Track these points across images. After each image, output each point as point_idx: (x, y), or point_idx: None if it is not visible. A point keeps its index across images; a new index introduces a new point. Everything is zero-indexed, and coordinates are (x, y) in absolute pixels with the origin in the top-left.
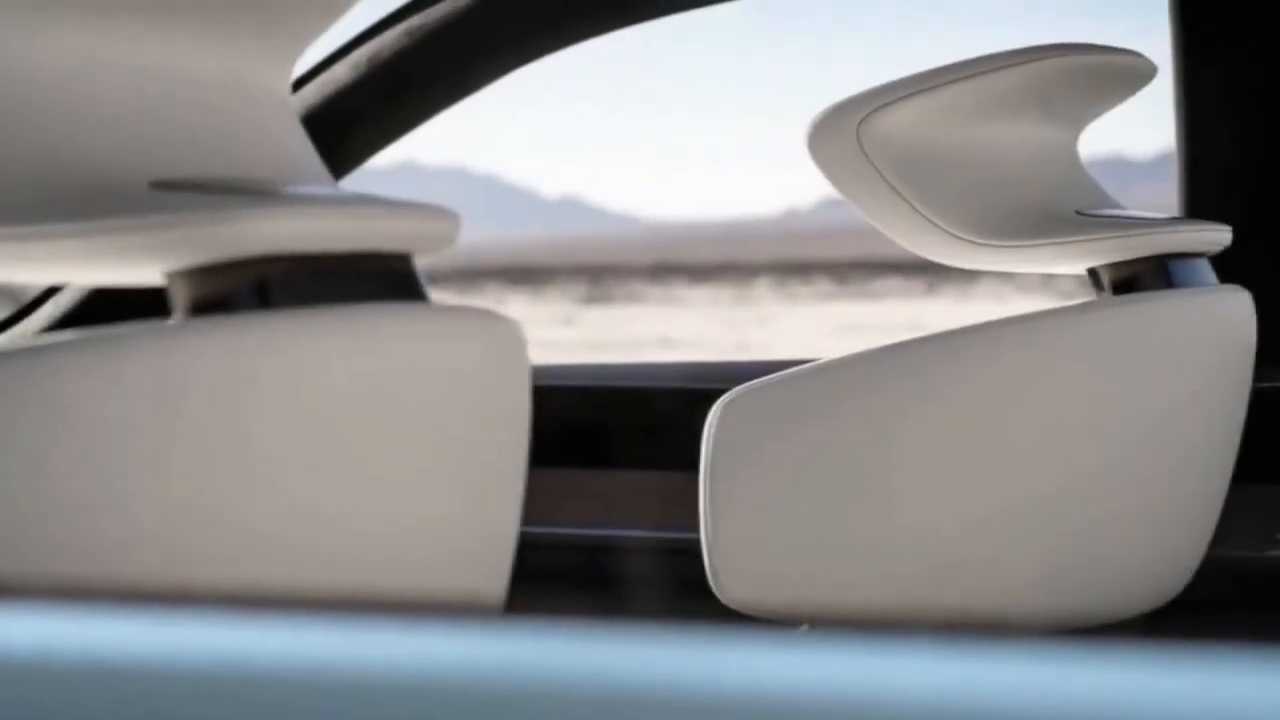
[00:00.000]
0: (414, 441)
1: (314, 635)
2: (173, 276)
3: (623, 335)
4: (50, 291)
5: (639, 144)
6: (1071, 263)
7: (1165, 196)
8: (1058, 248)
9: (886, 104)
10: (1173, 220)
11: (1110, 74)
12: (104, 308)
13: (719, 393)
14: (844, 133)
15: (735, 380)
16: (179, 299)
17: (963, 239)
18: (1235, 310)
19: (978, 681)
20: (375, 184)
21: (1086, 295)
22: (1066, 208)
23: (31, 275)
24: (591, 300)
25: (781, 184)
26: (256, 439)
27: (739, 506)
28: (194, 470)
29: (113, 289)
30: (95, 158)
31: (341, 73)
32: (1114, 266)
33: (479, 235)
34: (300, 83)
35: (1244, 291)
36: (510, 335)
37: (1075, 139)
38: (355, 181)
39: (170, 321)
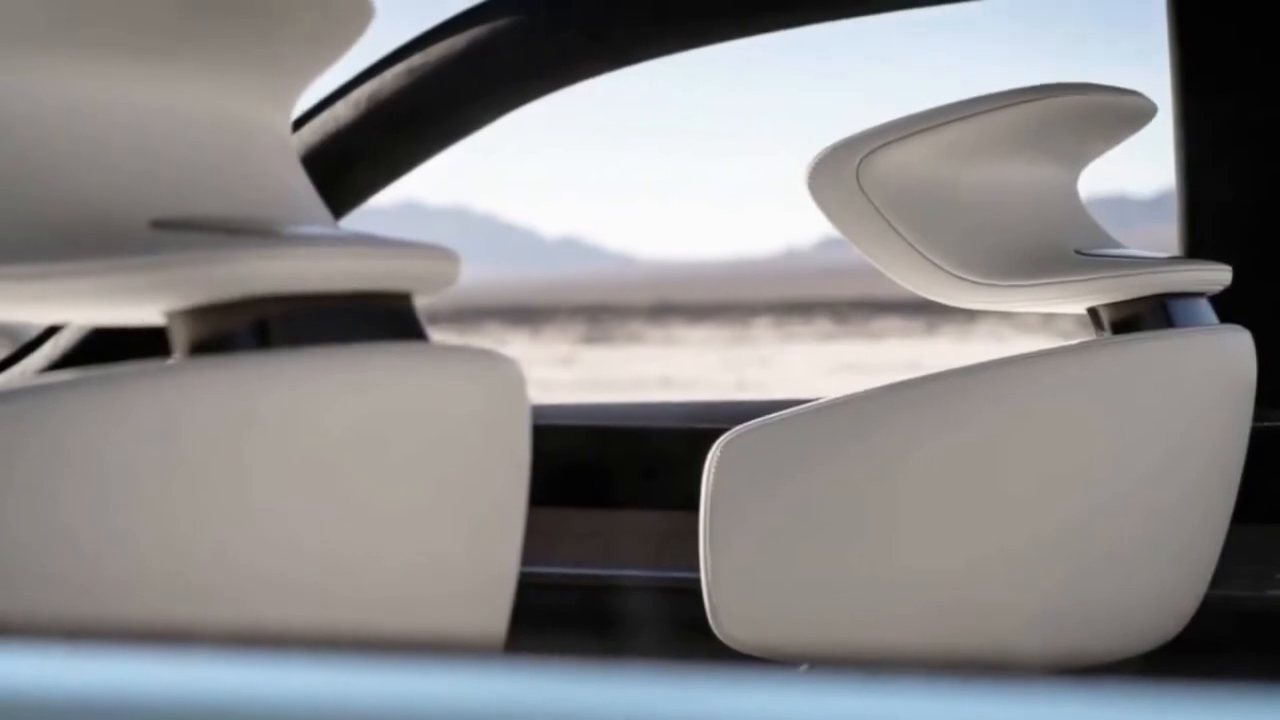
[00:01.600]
0: (414, 481)
1: (313, 674)
2: (173, 316)
3: (622, 375)
4: (50, 331)
5: (638, 182)
6: (1071, 302)
7: (1166, 237)
8: (1058, 287)
9: (886, 144)
10: (1173, 260)
11: (1110, 113)
12: (104, 347)
13: (719, 432)
14: (844, 172)
15: (735, 420)
16: (179, 338)
17: (962, 278)
18: (1235, 350)
19: None
20: (376, 223)
21: (1086, 335)
22: (1066, 247)
23: (31, 314)
24: (591, 340)
25: (781, 223)
26: (256, 478)
27: (739, 546)
28: (194, 509)
29: (113, 328)
30: (95, 197)
31: (341, 112)
32: (1114, 306)
33: (479, 274)
34: (300, 122)
35: (1244, 331)
36: (510, 375)
37: (1075, 178)
38: (356, 220)
39: (170, 361)
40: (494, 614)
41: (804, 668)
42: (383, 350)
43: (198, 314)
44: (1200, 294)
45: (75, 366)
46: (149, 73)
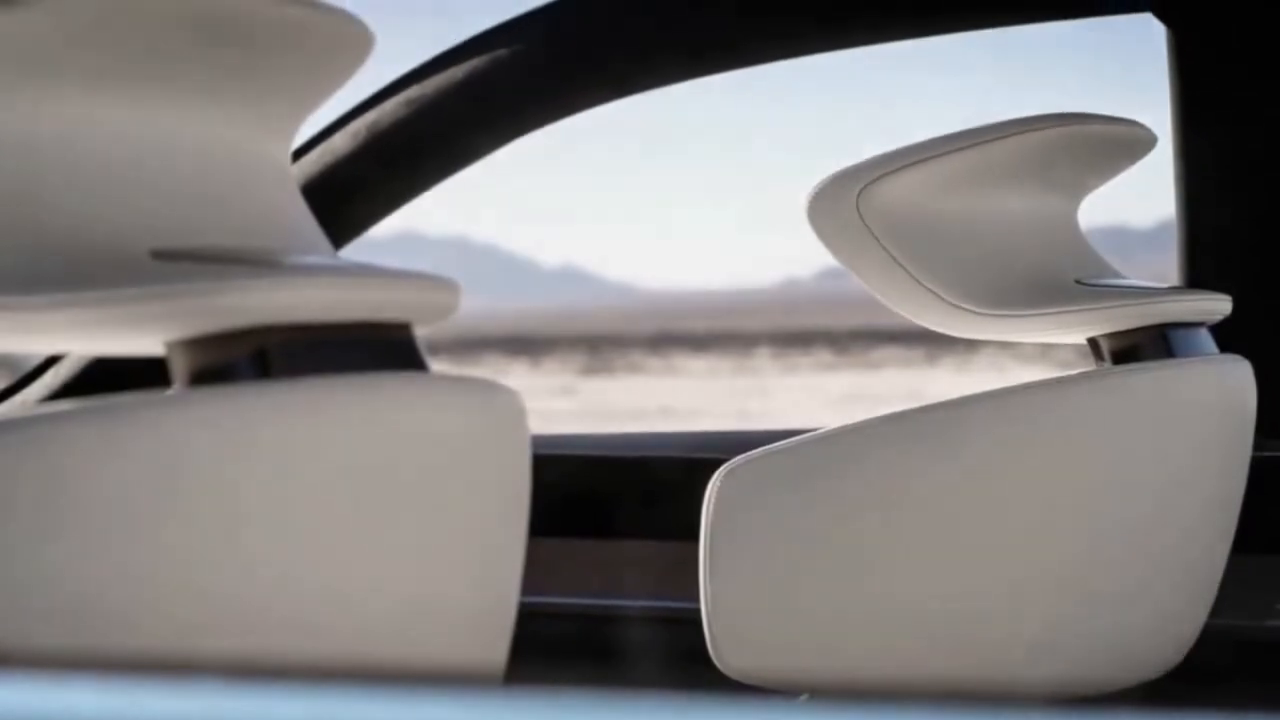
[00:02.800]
0: (414, 511)
1: (313, 705)
2: (173, 346)
3: (623, 405)
4: (50, 361)
5: (638, 213)
6: (1071, 332)
7: (1166, 268)
8: (1058, 317)
9: (886, 174)
10: (1173, 289)
11: (1110, 143)
12: (104, 377)
13: (719, 462)
14: (843, 202)
15: (736, 450)
16: (179, 369)
17: (963, 309)
18: (1235, 380)
19: None
20: (376, 253)
21: (1086, 365)
22: (1066, 277)
23: (31, 345)
24: (591, 370)
25: (781, 253)
26: (256, 509)
27: (739, 576)
28: (193, 540)
29: (113, 358)
30: (96, 227)
31: (341, 143)
32: (1114, 336)
33: (478, 304)
34: (300, 152)
35: (1244, 361)
36: (510, 405)
37: (1075, 208)
38: (355, 251)
39: (170, 391)
40: (494, 644)
41: (804, 698)
42: (383, 380)
43: (197, 344)
44: (1200, 324)
45: (75, 397)
46: (149, 103)
